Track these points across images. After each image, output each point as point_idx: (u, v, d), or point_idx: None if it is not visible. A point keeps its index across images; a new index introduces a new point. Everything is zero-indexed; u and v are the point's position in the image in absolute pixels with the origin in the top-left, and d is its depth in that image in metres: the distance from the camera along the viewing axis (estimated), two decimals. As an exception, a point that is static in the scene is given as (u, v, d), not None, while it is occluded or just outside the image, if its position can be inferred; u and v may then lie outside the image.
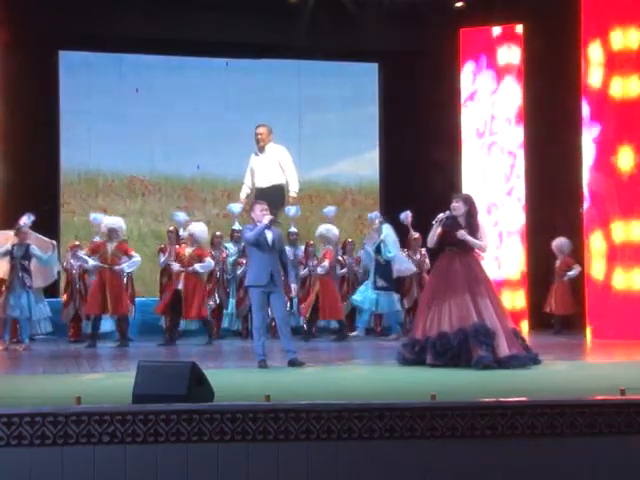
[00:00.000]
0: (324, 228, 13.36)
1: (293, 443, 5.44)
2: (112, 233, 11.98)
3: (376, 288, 12.99)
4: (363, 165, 16.33)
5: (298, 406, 5.54)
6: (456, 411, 5.59)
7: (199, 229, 12.43)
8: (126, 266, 12.08)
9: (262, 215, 9.11)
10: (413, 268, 13.21)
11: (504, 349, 8.52)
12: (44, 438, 5.28)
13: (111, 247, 11.95)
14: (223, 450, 5.40)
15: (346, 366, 9.42)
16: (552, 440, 5.62)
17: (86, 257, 12.05)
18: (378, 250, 13.02)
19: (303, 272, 13.26)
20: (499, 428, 5.59)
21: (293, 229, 13.85)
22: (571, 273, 13.81)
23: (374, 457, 5.51)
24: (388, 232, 13.08)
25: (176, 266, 12.16)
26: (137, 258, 12.18)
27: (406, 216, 13.34)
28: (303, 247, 13.61)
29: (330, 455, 5.46)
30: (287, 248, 13.06)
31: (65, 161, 15.08)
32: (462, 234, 8.82)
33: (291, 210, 14.18)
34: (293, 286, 9.68)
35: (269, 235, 9.07)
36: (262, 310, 9.11)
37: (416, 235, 13.28)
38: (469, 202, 9.05)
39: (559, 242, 13.88)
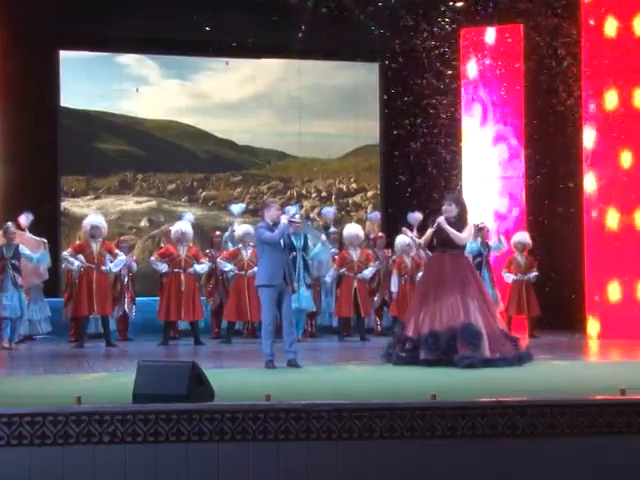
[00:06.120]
0: (355, 229, 13.00)
1: (293, 443, 5.44)
2: (96, 231, 11.74)
3: None
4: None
5: (298, 406, 5.54)
6: (456, 411, 5.59)
7: (186, 227, 12.15)
8: (113, 266, 11.93)
9: (278, 215, 8.97)
10: None
11: (487, 351, 8.70)
12: (44, 438, 5.28)
13: (96, 247, 11.77)
14: (223, 450, 5.40)
15: (346, 366, 9.42)
16: (552, 440, 5.62)
17: (72, 259, 11.73)
18: None
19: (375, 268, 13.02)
20: (499, 428, 5.59)
21: (333, 229, 13.66)
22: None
23: (374, 457, 5.51)
24: None
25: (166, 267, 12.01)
26: (122, 257, 12.06)
27: (415, 219, 12.61)
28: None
29: (330, 455, 5.47)
30: (334, 250, 13.14)
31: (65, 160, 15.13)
32: (442, 221, 9.07)
33: (329, 211, 13.96)
34: (295, 285, 9.73)
35: None
36: (273, 309, 8.99)
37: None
38: (460, 203, 9.38)
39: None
